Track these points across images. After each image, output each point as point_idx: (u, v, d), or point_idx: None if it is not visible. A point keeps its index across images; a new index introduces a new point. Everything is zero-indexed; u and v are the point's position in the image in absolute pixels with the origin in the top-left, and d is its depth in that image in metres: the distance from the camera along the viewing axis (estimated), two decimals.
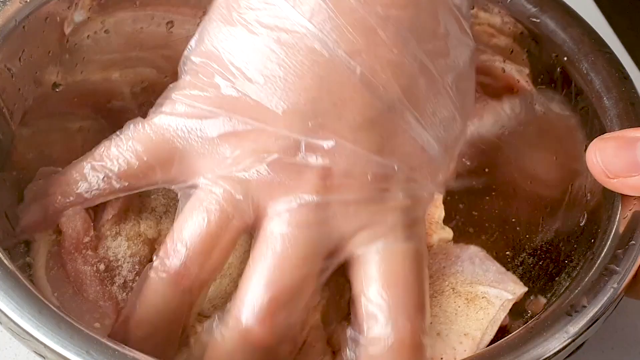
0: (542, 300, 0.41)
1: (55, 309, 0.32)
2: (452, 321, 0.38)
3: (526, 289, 0.40)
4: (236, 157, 0.36)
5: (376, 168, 0.36)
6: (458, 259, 0.42)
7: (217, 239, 0.36)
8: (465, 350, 0.37)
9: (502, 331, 0.39)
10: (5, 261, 0.34)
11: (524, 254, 0.46)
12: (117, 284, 0.40)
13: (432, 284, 0.40)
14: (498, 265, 0.42)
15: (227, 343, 0.35)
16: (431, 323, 0.38)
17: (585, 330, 0.34)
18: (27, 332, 0.32)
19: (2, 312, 0.32)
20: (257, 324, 0.34)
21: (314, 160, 0.35)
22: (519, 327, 0.38)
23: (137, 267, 0.40)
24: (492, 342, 0.38)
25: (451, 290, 0.40)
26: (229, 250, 0.36)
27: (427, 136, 0.37)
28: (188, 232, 0.36)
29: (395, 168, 0.36)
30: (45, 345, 0.32)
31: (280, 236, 0.35)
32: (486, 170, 0.49)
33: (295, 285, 0.35)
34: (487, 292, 0.39)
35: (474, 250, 0.43)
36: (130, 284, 0.40)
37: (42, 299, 0.33)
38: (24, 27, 0.41)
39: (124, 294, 0.40)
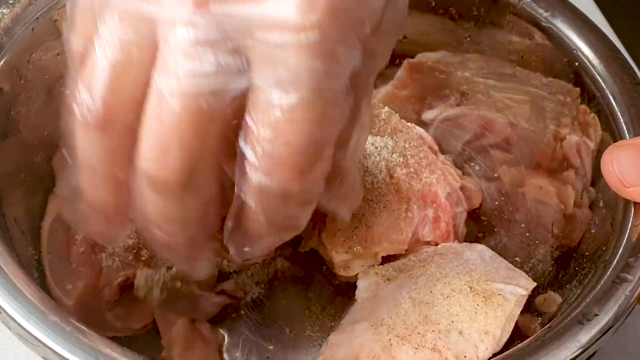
0: (555, 296, 0.41)
1: (63, 314, 0.32)
2: (473, 319, 0.38)
3: (535, 284, 0.40)
4: None
5: None
6: (469, 258, 0.42)
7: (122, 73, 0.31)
8: (486, 349, 0.37)
9: (515, 328, 0.39)
10: (16, 266, 0.34)
11: (534, 260, 0.46)
12: (106, 252, 0.41)
13: (448, 283, 0.40)
14: (506, 262, 0.42)
15: None
16: (453, 322, 0.38)
17: (597, 340, 0.34)
18: (35, 338, 0.32)
19: (11, 317, 0.32)
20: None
21: None
22: (532, 324, 0.37)
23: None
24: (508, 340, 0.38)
25: (468, 289, 0.40)
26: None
27: None
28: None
29: None
30: (53, 351, 0.32)
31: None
32: (496, 175, 0.49)
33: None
34: (502, 289, 0.39)
35: (481, 249, 0.43)
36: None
37: (51, 304, 0.33)
38: (32, 29, 0.41)
39: (110, 262, 0.41)
